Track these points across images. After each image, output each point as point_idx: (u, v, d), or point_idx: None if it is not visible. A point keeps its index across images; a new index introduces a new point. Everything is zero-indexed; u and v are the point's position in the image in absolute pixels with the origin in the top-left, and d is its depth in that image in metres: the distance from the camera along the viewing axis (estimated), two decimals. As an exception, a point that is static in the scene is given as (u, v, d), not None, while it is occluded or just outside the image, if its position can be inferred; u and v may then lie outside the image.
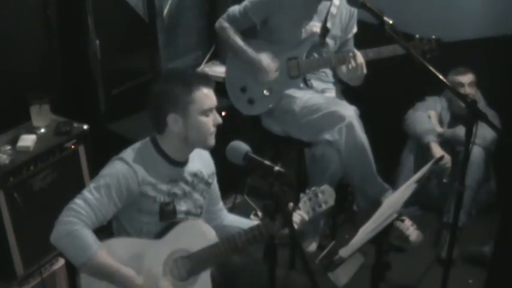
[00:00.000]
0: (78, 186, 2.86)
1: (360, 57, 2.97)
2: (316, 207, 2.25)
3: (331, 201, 2.28)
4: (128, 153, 2.13)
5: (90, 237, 2.00)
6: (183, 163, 2.21)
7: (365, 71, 2.99)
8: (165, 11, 3.73)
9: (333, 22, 3.13)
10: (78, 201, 2.03)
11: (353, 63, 2.97)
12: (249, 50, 3.13)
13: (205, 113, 2.12)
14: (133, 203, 2.12)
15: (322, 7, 3.12)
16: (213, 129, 2.15)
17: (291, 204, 2.20)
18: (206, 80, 2.15)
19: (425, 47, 2.98)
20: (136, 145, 2.18)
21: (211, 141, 2.17)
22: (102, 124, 3.36)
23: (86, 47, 3.22)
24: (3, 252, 2.64)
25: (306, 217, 2.22)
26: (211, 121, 2.13)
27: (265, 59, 3.12)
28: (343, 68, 3.10)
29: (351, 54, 2.99)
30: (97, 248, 2.00)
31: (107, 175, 2.08)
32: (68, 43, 3.20)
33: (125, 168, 2.08)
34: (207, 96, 2.11)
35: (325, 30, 3.12)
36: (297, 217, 2.20)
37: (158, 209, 2.15)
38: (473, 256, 3.30)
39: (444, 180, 3.52)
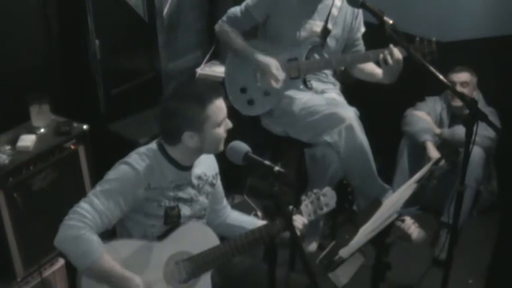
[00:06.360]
0: (78, 186, 2.88)
1: (398, 53, 2.85)
2: (318, 210, 2.25)
3: (333, 204, 2.27)
4: (134, 158, 2.11)
5: (95, 241, 1.99)
6: (189, 167, 2.21)
7: (401, 66, 2.87)
8: (165, 11, 3.73)
9: (335, 23, 3.10)
10: (84, 205, 2.02)
11: (389, 59, 2.86)
12: (255, 53, 3.08)
13: (219, 124, 2.11)
14: (139, 207, 2.12)
15: (323, 6, 3.09)
16: (225, 136, 2.15)
17: (292, 207, 2.20)
18: (216, 91, 2.13)
19: (425, 50, 2.92)
20: (142, 149, 2.16)
21: (222, 147, 2.16)
22: (102, 124, 3.35)
23: (86, 47, 3.21)
24: (3, 252, 2.63)
25: (306, 220, 2.21)
26: (223, 129, 2.14)
27: (275, 64, 3.05)
28: (371, 65, 3.06)
29: (386, 50, 2.87)
30: (101, 253, 1.99)
31: (113, 179, 2.07)
32: (68, 43, 3.20)
33: (131, 173, 2.07)
34: (219, 108, 2.10)
35: (326, 31, 3.10)
36: (299, 222, 2.19)
37: (163, 213, 2.15)
38: None
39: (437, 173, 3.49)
